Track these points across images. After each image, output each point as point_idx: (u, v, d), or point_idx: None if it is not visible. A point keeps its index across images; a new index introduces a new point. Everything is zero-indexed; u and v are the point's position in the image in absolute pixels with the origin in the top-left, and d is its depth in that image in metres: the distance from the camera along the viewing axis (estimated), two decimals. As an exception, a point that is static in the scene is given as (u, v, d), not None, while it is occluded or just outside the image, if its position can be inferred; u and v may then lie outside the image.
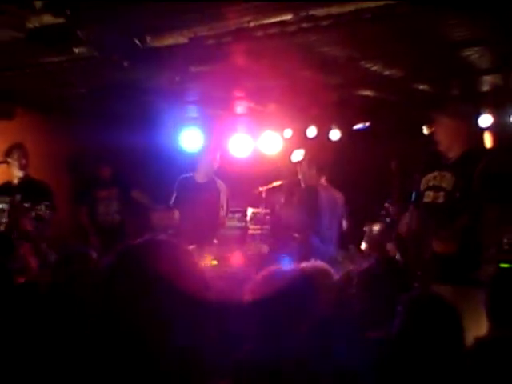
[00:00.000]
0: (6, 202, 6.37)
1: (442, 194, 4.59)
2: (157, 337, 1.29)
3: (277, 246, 7.34)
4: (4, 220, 6.33)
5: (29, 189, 6.48)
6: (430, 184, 4.70)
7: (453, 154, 4.66)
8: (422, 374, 2.49)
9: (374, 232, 7.81)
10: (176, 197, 7.03)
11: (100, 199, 7.61)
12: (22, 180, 6.57)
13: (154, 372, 1.28)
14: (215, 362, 1.38)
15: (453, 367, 2.43)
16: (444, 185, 4.60)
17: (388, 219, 7.62)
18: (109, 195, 7.61)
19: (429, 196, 4.68)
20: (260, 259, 7.39)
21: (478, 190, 4.37)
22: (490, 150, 6.17)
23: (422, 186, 4.76)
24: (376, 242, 7.52)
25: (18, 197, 6.38)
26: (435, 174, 4.70)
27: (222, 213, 7.03)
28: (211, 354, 1.35)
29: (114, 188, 7.65)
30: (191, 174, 7.11)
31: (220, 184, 7.08)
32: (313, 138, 8.41)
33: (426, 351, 2.55)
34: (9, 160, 6.54)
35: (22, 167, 6.55)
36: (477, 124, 7.05)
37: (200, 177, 7.07)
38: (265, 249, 7.81)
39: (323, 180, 7.06)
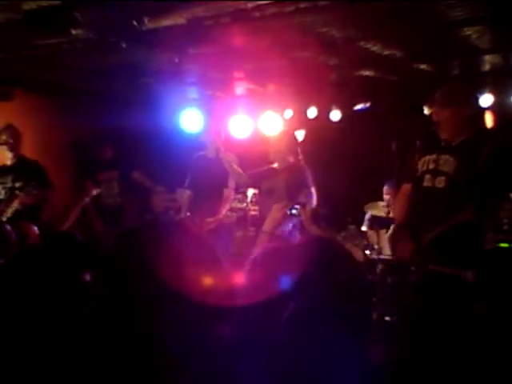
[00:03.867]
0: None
1: (442, 178, 4.43)
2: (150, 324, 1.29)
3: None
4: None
5: (20, 169, 6.50)
6: (430, 167, 4.53)
7: (456, 138, 4.49)
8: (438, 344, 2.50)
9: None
10: (190, 177, 7.12)
11: (101, 182, 7.59)
12: (15, 161, 6.57)
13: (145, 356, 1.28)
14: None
15: (463, 334, 2.43)
16: (445, 169, 4.43)
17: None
18: (110, 177, 7.59)
19: (428, 180, 4.52)
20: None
21: (483, 174, 4.23)
22: (495, 132, 6.00)
23: (420, 169, 4.61)
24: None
25: (9, 177, 6.40)
26: (434, 156, 4.53)
27: (229, 186, 7.02)
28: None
29: (114, 170, 7.63)
30: (202, 153, 7.17)
31: (228, 156, 6.96)
32: (313, 119, 8.40)
33: (439, 326, 2.57)
34: None
35: (11, 147, 6.52)
36: (478, 104, 7.02)
37: (209, 152, 7.09)
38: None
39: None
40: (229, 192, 7.03)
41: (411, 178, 4.75)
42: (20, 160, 6.58)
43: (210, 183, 6.85)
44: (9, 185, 6.41)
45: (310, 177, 6.36)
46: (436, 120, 4.57)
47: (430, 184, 4.51)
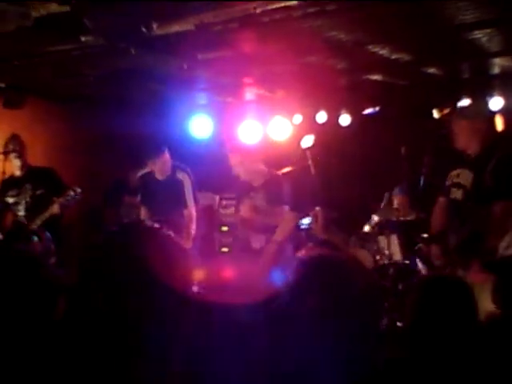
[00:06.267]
0: (15, 195, 6.42)
1: (461, 191, 4.72)
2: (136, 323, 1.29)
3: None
4: (22, 213, 6.38)
5: (34, 177, 6.50)
6: (454, 181, 4.83)
7: (471, 150, 4.76)
8: (440, 352, 2.48)
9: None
10: (141, 195, 6.89)
11: (124, 204, 7.73)
12: (25, 170, 6.55)
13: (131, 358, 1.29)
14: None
15: (468, 344, 2.41)
16: (463, 182, 4.72)
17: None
18: (132, 202, 7.69)
19: (453, 192, 4.82)
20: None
21: (489, 185, 4.49)
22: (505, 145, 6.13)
23: (448, 182, 4.90)
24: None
25: (27, 187, 6.41)
26: (458, 171, 4.83)
27: (189, 205, 6.58)
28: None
29: (137, 196, 7.75)
30: (149, 171, 6.76)
31: (182, 176, 6.64)
32: (322, 124, 8.38)
33: (442, 331, 2.56)
34: (6, 152, 6.53)
35: (18, 155, 6.50)
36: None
37: (158, 174, 6.72)
38: None
39: None
40: (189, 212, 6.56)
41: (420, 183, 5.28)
42: (30, 169, 6.57)
43: (167, 208, 6.39)
44: (29, 193, 6.41)
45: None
46: (453, 136, 4.85)
47: (453, 196, 4.82)
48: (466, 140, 4.76)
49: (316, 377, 1.78)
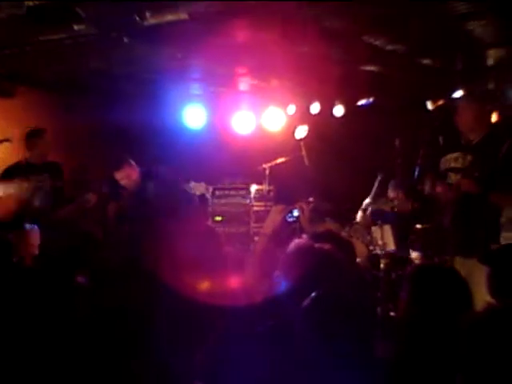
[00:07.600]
0: (36, 181, 6.31)
1: (459, 176, 4.76)
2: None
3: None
4: (38, 201, 6.25)
5: (51, 168, 6.47)
6: (452, 165, 4.86)
7: (474, 135, 4.81)
8: (434, 343, 2.48)
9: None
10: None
11: (124, 198, 7.70)
12: (43, 160, 6.47)
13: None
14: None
15: (463, 334, 2.40)
16: (463, 166, 4.77)
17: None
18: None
19: (451, 177, 4.85)
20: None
21: (504, 173, 4.50)
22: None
23: (443, 166, 4.92)
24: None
25: (46, 176, 6.33)
26: (457, 155, 4.85)
27: None
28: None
29: None
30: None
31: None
32: (316, 114, 8.37)
33: (437, 320, 2.56)
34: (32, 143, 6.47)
35: (41, 147, 6.46)
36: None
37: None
38: None
39: None
40: None
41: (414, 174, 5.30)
42: (47, 162, 6.51)
43: None
44: (49, 183, 6.33)
45: None
46: (458, 118, 4.89)
47: (451, 180, 4.85)
48: (473, 123, 4.79)
49: (316, 376, 1.78)
